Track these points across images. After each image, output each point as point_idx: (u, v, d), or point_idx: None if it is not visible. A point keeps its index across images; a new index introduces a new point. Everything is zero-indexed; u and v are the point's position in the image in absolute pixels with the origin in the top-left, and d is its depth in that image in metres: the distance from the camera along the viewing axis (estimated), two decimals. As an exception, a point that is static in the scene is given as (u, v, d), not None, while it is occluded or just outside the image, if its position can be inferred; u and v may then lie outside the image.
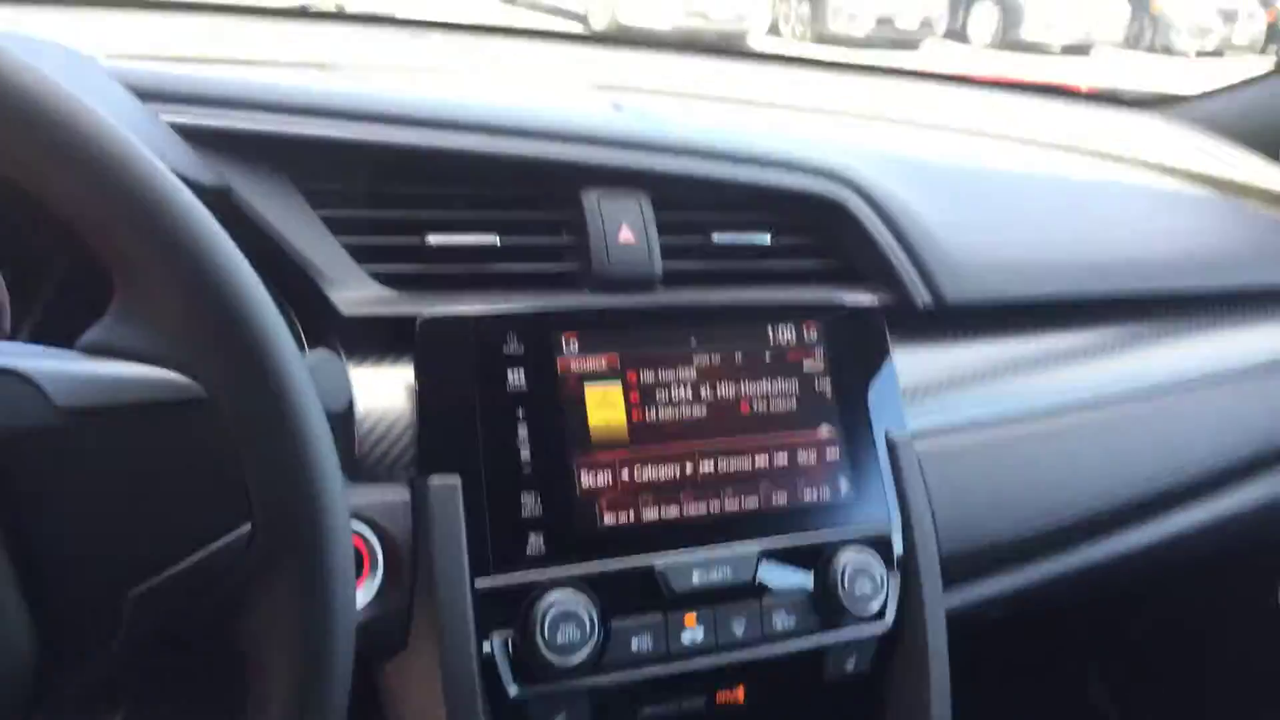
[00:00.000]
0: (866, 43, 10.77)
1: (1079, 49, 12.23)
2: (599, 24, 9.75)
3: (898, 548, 0.87)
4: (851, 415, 0.88)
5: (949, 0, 11.57)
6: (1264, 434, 1.13)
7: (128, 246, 0.48)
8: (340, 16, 1.46)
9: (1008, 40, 11.81)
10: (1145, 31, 12.88)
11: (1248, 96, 1.53)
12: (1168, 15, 12.81)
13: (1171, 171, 1.41)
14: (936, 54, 11.43)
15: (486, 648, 0.73)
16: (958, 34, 12.04)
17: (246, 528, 0.50)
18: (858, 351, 0.90)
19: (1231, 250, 1.22)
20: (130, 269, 0.49)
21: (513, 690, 0.73)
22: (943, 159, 1.20)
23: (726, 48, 1.80)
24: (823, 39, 10.80)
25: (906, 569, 0.87)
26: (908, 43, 11.40)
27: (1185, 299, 1.16)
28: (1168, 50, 12.81)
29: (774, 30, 10.90)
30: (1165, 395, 1.08)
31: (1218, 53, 12.79)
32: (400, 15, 1.45)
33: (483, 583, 0.73)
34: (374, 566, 0.72)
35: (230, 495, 0.50)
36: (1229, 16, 12.94)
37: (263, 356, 0.50)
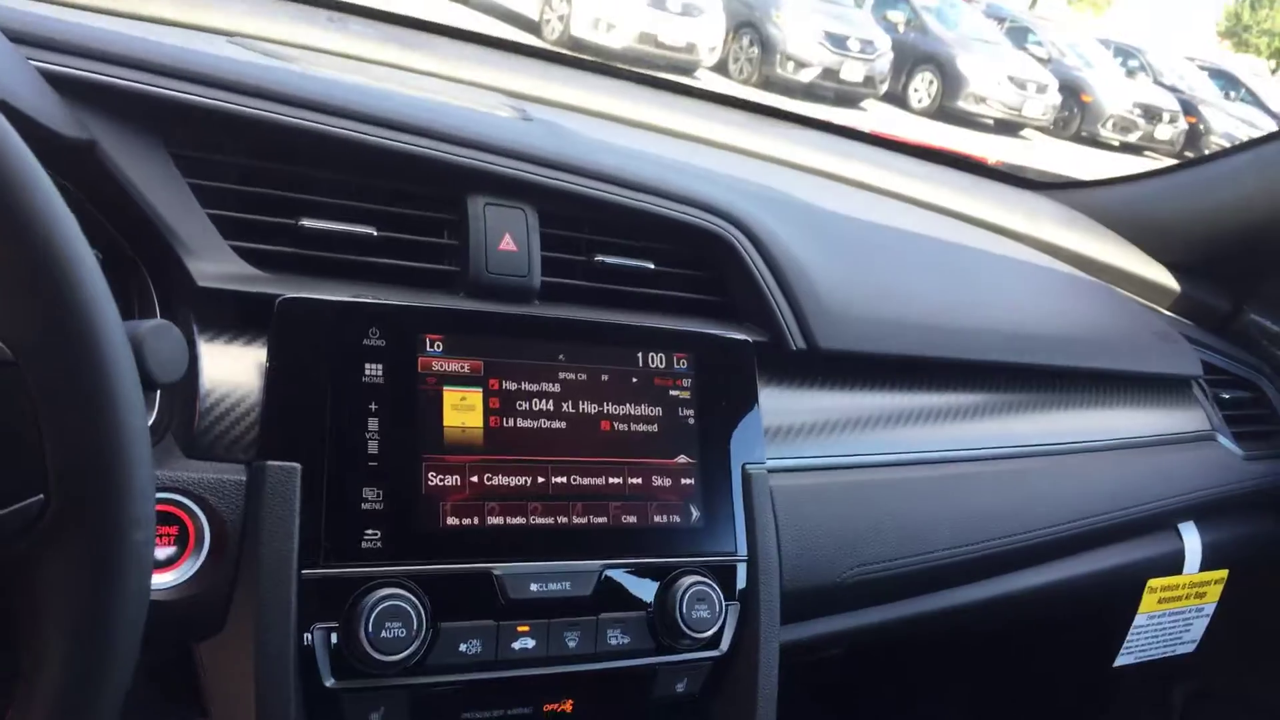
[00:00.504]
0: (808, 92, 10.98)
1: (1010, 127, 12.66)
2: (551, 35, 9.76)
3: (741, 578, 0.88)
4: (711, 445, 0.89)
5: (893, 63, 11.86)
6: (1109, 507, 1.18)
7: None
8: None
9: (944, 109, 12.17)
10: (1074, 120, 13.39)
11: (1135, 190, 1.61)
12: (1096, 106, 13.35)
13: (1054, 250, 1.47)
14: (876, 113, 11.70)
15: (307, 638, 0.72)
16: (898, 97, 12.36)
17: (38, 498, 0.48)
18: (725, 384, 0.91)
19: (1097, 332, 1.28)
20: None
21: (329, 682, 0.72)
22: (835, 210, 1.23)
23: (670, 82, 1.82)
24: (768, 83, 10.98)
25: (747, 599, 0.88)
26: (849, 98, 11.66)
27: (1050, 373, 1.20)
28: (1093, 140, 13.34)
29: (722, 68, 11.05)
30: (1019, 460, 1.12)
31: (1139, 149, 13.36)
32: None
33: (310, 573, 0.72)
34: (199, 544, 0.71)
35: (25, 464, 0.48)
36: (1153, 115, 13.54)
37: (75, 323, 0.48)
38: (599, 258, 0.93)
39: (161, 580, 0.70)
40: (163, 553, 0.70)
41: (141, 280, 0.75)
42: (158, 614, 0.68)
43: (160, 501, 0.69)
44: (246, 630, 0.71)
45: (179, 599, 0.70)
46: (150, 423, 0.73)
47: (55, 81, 0.69)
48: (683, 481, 0.87)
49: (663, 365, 0.89)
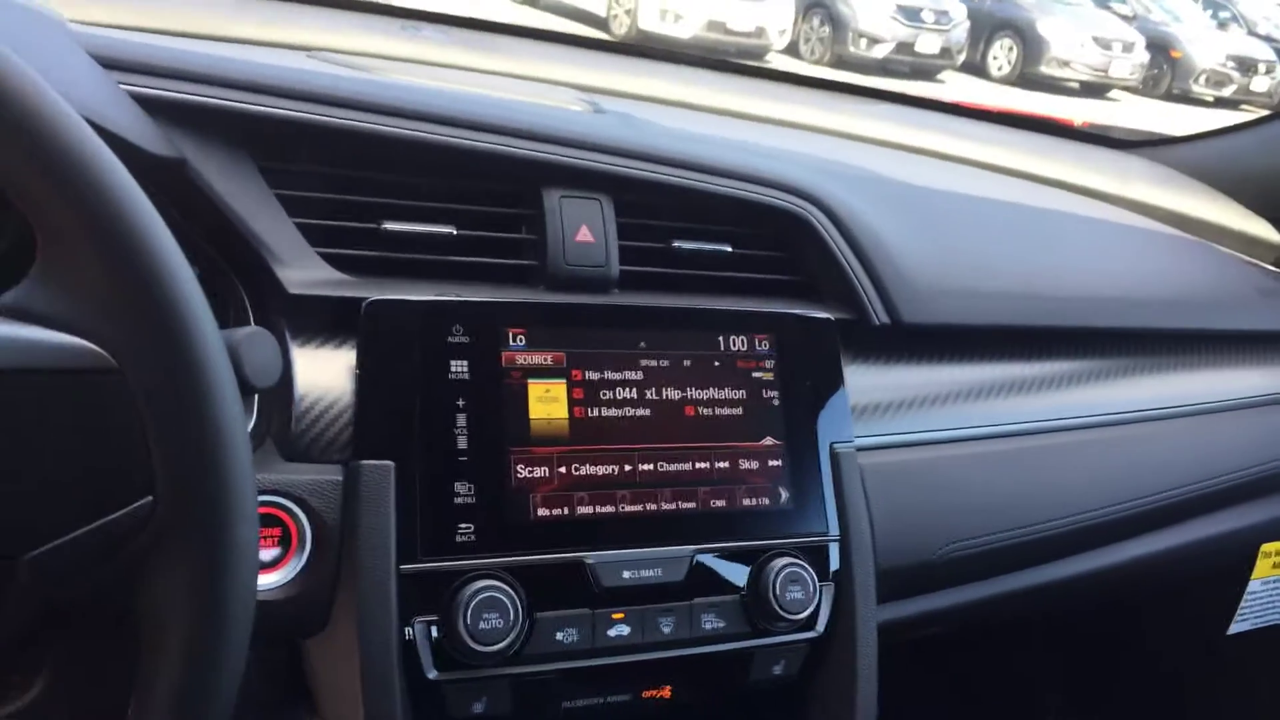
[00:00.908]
0: (883, 68, 10.79)
1: (1097, 89, 12.25)
2: (620, 30, 9.78)
3: (834, 558, 0.88)
4: (797, 426, 0.89)
5: (970, 32, 11.58)
6: (1218, 471, 1.14)
7: (52, 212, 0.49)
8: (342, 3, 1.47)
9: (1026, 76, 11.83)
10: (1164, 77, 12.90)
11: (1229, 144, 1.54)
12: (1187, 62, 12.83)
13: (1148, 210, 1.42)
14: (954, 85, 11.44)
15: (409, 632, 0.74)
16: (977, 67, 12.05)
17: (148, 500, 0.51)
18: (809, 364, 0.91)
19: (1197, 292, 1.24)
20: (53, 235, 0.49)
21: (432, 674, 0.74)
22: (914, 183, 1.21)
23: (740, 66, 1.81)
24: (842, 62, 10.82)
25: (841, 580, 0.88)
26: (926, 71, 11.42)
27: (1149, 336, 1.17)
28: (1186, 96, 12.83)
29: (793, 49, 10.93)
30: (1119, 428, 1.09)
31: (1234, 103, 12.81)
32: (406, 5, 1.46)
33: (409, 568, 0.74)
34: (301, 545, 0.73)
35: (134, 467, 0.50)
36: (1247, 67, 12.95)
37: (175, 332, 0.50)
38: (676, 243, 0.93)
39: (267, 580, 0.72)
40: (267, 554, 0.73)
41: (235, 290, 0.78)
42: (265, 613, 0.70)
43: (262, 504, 0.72)
44: (350, 626, 0.73)
45: (285, 598, 0.72)
46: (249, 429, 0.76)
47: (145, 103, 0.72)
48: (770, 464, 0.87)
49: (745, 348, 0.89)
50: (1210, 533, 1.18)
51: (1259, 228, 1.45)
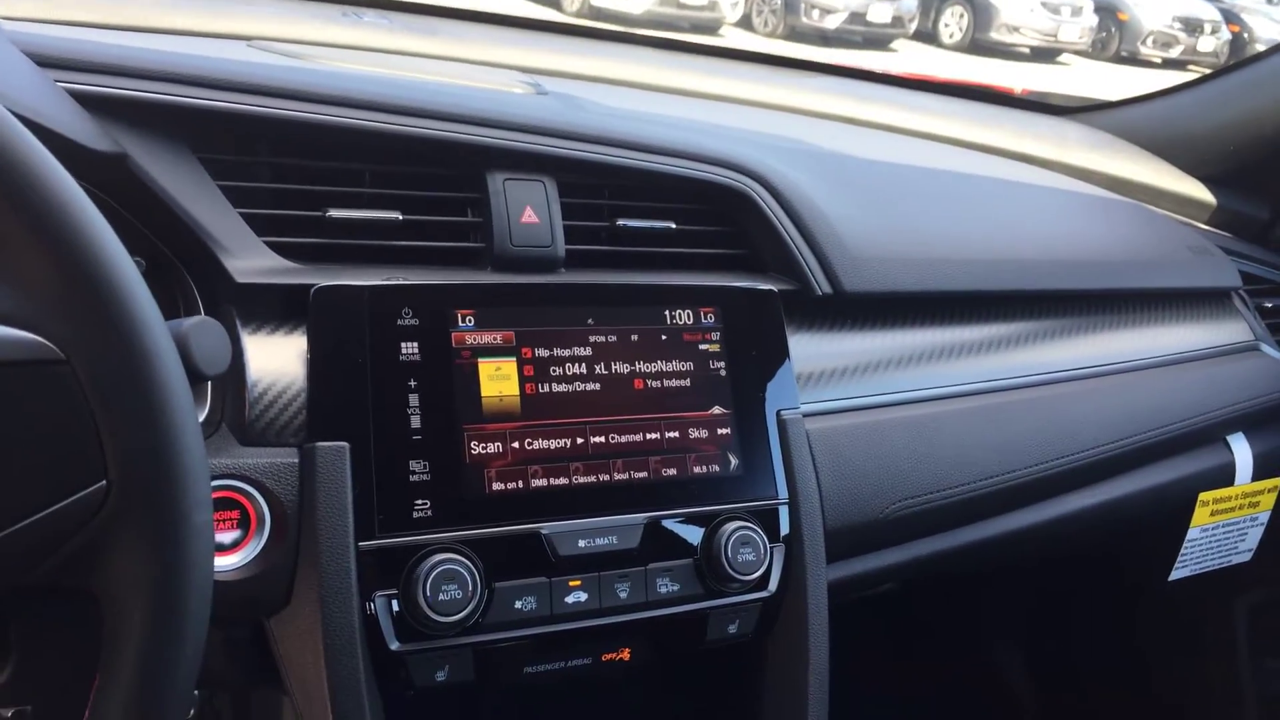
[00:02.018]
0: (837, 38, 10.82)
1: (1047, 54, 12.35)
2: (571, 7, 9.72)
3: (783, 521, 0.91)
4: (745, 395, 0.91)
5: (921, 0, 11.63)
6: (1154, 424, 1.18)
7: None
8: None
9: (977, 42, 11.90)
10: (1112, 40, 13.02)
11: (1162, 106, 1.58)
12: (1134, 24, 12.96)
13: (1084, 174, 1.46)
14: (906, 54, 11.49)
15: (370, 607, 0.76)
16: (929, 35, 12.11)
17: (101, 484, 0.52)
18: (754, 335, 0.93)
19: (1131, 253, 1.27)
20: None
21: (394, 645, 0.76)
22: (855, 154, 1.24)
23: (684, 44, 1.83)
24: (795, 33, 10.82)
25: (791, 541, 0.91)
26: (878, 40, 11.46)
27: (1084, 297, 1.20)
28: (1133, 58, 12.96)
29: (746, 22, 10.92)
30: (1058, 385, 1.13)
31: (1182, 63, 12.96)
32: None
33: (367, 544, 0.76)
34: (260, 526, 0.75)
35: (85, 453, 0.52)
36: (1194, 27, 13.10)
37: (119, 321, 0.51)
38: (621, 222, 0.95)
39: (227, 562, 0.74)
40: (227, 536, 0.74)
41: (184, 281, 0.79)
42: (227, 593, 0.72)
43: (220, 488, 0.73)
44: (312, 603, 0.75)
45: (246, 578, 0.74)
46: (204, 417, 0.77)
47: (83, 100, 0.73)
48: (719, 432, 0.90)
49: (690, 321, 0.91)
50: (1150, 484, 1.22)
51: (1191, 188, 1.50)
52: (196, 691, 1.11)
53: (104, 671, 0.54)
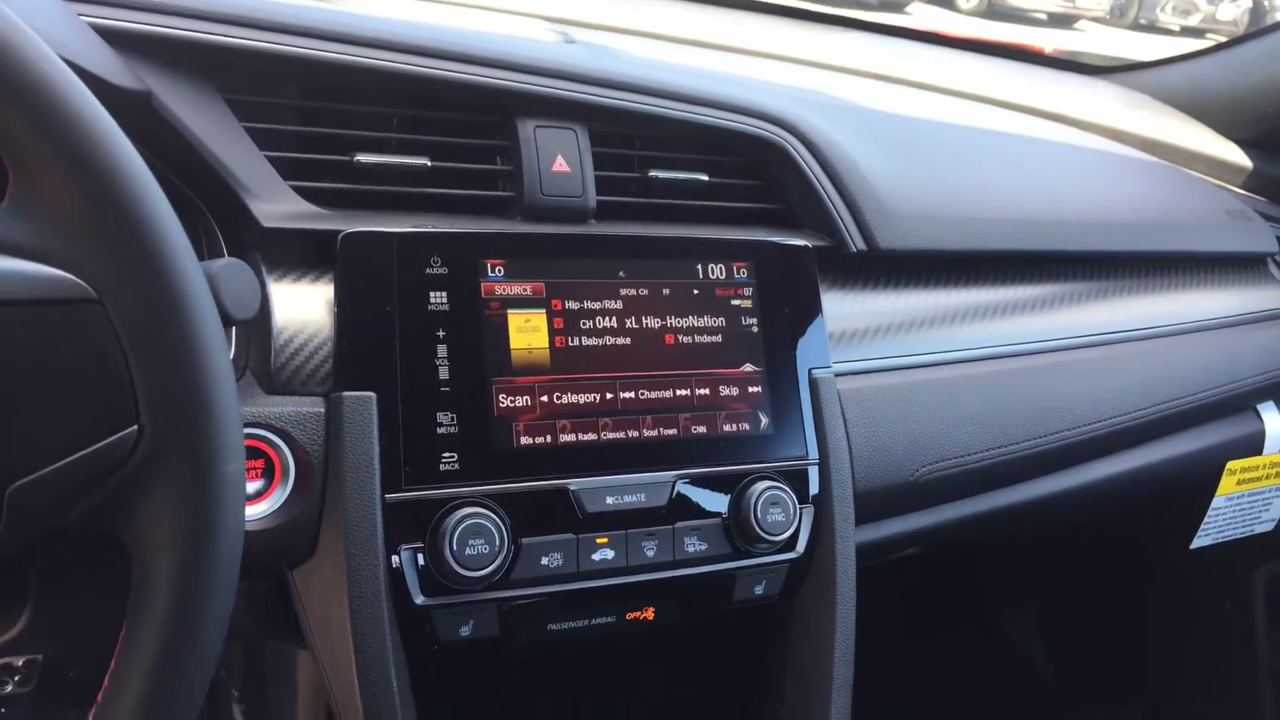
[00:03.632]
0: (853, 1, 10.68)
1: (1064, 19, 12.19)
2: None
3: (813, 481, 0.89)
4: (776, 352, 0.89)
5: (938, -38, 11.46)
6: (1184, 391, 1.17)
7: (24, 142, 0.48)
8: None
9: (993, 6, 11.74)
10: (1131, 6, 12.84)
11: (1197, 68, 1.55)
12: (1154, -10, 12.77)
13: (1118, 135, 1.43)
14: (921, 17, 11.34)
15: (396, 560, 0.74)
16: (944, -1, 11.96)
17: (133, 428, 0.51)
18: (787, 291, 0.91)
19: (1166, 216, 1.25)
20: (26, 165, 0.48)
21: (419, 599, 0.75)
22: (889, 110, 1.21)
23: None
24: (810, -5, 10.71)
25: (820, 502, 0.89)
26: (893, 4, 11.32)
27: (1119, 259, 1.18)
28: (1152, 26, 12.79)
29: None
30: (1090, 349, 1.11)
31: (1201, 31, 12.78)
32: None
33: (393, 497, 0.74)
34: (285, 476, 0.73)
35: (117, 396, 0.50)
36: (1214, -6, 12.92)
37: (153, 260, 0.50)
38: (653, 173, 0.93)
39: (252, 511, 0.72)
40: (251, 486, 0.73)
41: (208, 226, 0.77)
42: (251, 544, 0.71)
43: (245, 437, 0.72)
44: (337, 556, 0.74)
45: (270, 528, 0.73)
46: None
47: (108, 35, 0.70)
48: (750, 390, 0.88)
49: (723, 276, 0.89)
50: (1179, 451, 1.21)
51: (1227, 151, 1.47)
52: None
53: (131, 620, 0.53)
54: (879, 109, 1.21)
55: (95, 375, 0.50)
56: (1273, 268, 1.33)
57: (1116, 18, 12.81)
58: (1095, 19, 12.53)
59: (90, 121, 0.49)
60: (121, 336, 0.50)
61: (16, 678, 1.11)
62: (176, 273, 0.50)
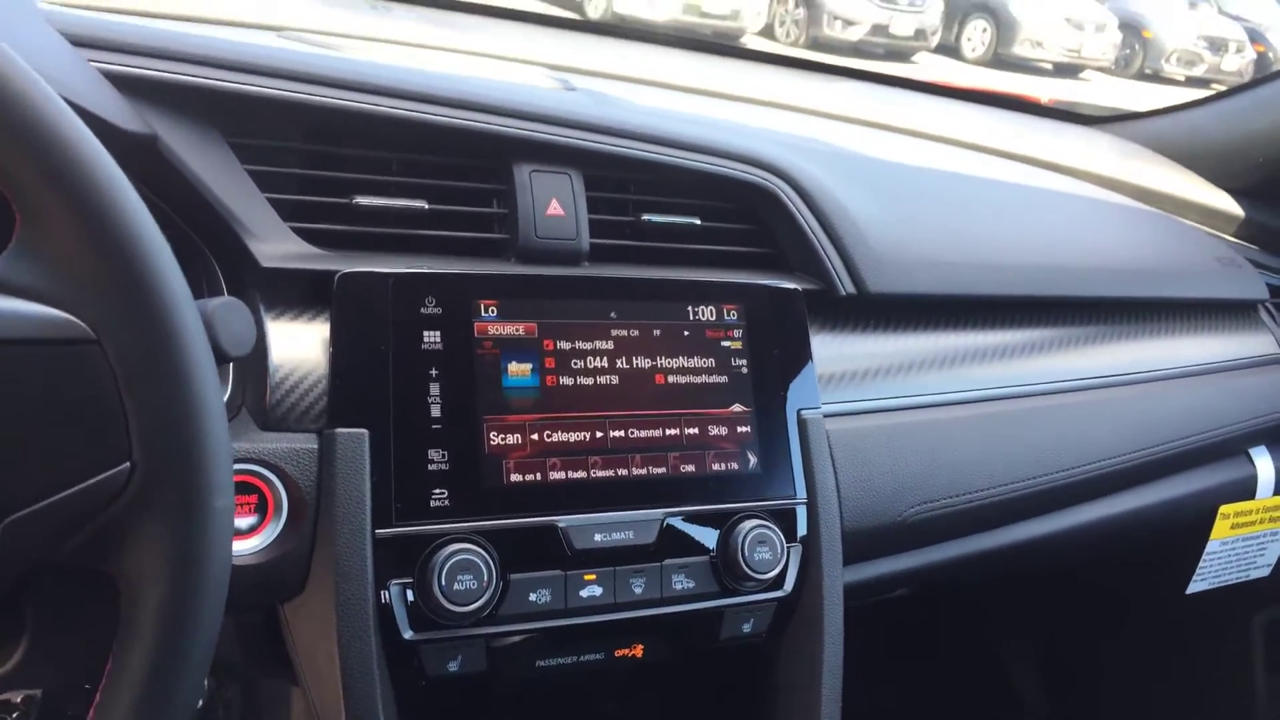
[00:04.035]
0: (860, 49, 10.81)
1: (1070, 69, 12.31)
2: (594, 12, 9.74)
3: (801, 521, 0.90)
4: (766, 393, 0.91)
5: (944, 13, 11.60)
6: (1175, 435, 1.17)
7: (31, 186, 0.50)
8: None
9: (999, 57, 11.87)
10: (1136, 57, 12.97)
11: (1191, 118, 1.57)
12: (1158, 42, 12.90)
13: (1112, 184, 1.45)
14: (928, 67, 11.47)
15: (385, 595, 0.75)
16: (951, 48, 12.08)
17: (126, 465, 0.52)
18: (777, 333, 0.93)
19: (1158, 263, 1.26)
20: (32, 209, 0.50)
21: (408, 634, 0.76)
22: (882, 157, 1.23)
23: (712, 44, 1.83)
24: (817, 44, 10.82)
25: (808, 541, 0.90)
26: (900, 53, 11.44)
27: (1110, 305, 1.19)
28: (1157, 76, 12.91)
29: (768, 32, 10.92)
30: (1081, 393, 1.12)
31: (1205, 81, 12.89)
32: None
33: (384, 532, 0.75)
34: (277, 511, 0.75)
35: (111, 434, 0.52)
36: (1218, 46, 13.04)
37: (151, 302, 0.51)
38: (646, 216, 0.95)
39: (244, 546, 0.74)
40: (244, 521, 0.74)
41: (209, 265, 0.79)
42: (243, 578, 0.72)
43: (239, 472, 0.73)
44: (327, 590, 0.75)
45: (261, 563, 0.74)
46: (225, 399, 0.77)
47: (116, 80, 0.73)
48: (739, 429, 0.89)
49: (713, 317, 0.91)
50: (1171, 495, 1.22)
51: (1219, 200, 1.49)
52: (211, 680, 1.11)
53: (117, 655, 0.54)
54: (872, 156, 1.23)
55: (91, 413, 0.51)
56: (1263, 314, 1.34)
57: (1122, 68, 12.93)
58: (1100, 69, 12.65)
59: (94, 168, 0.51)
60: (118, 376, 0.51)
61: (15, 714, 1.11)
62: (173, 316, 0.52)
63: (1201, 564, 1.31)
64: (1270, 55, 13.33)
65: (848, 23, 10.93)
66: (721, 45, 1.86)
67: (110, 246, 0.51)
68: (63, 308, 0.51)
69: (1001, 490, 1.03)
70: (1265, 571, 1.40)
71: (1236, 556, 1.34)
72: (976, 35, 12.15)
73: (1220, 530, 1.28)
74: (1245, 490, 1.28)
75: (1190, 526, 1.28)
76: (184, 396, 0.52)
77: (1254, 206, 1.49)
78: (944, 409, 1.02)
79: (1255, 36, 13.44)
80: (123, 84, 0.73)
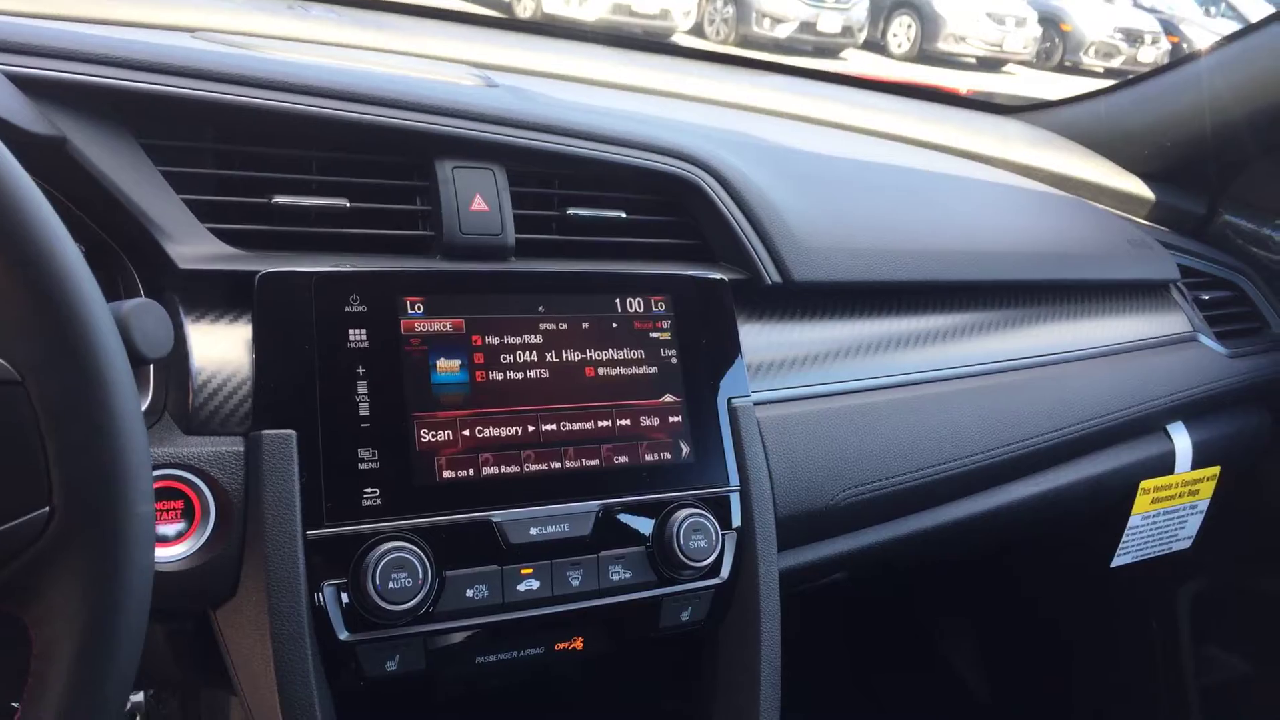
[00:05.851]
0: (788, 46, 10.92)
1: (992, 63, 12.56)
2: (524, 13, 9.70)
3: (735, 508, 0.91)
4: (696, 383, 0.92)
5: (870, 10, 11.77)
6: (1094, 414, 1.21)
7: None
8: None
9: (925, 52, 12.08)
10: (1056, 50, 13.28)
11: (1102, 105, 1.62)
12: (1077, 35, 13.23)
13: (1027, 171, 1.49)
14: (856, 63, 11.62)
15: (319, 597, 0.75)
16: (878, 44, 12.26)
17: (44, 510, 0.51)
18: (705, 323, 0.94)
19: (1072, 246, 1.30)
20: None
21: (343, 635, 0.75)
22: (804, 149, 1.25)
23: (639, 41, 1.84)
24: (746, 41, 10.90)
25: (743, 528, 0.91)
26: (828, 49, 11.58)
27: (1027, 288, 1.22)
28: (1077, 68, 13.23)
29: (698, 31, 10.98)
30: (1001, 375, 1.15)
31: (1123, 73, 13.23)
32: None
33: (315, 533, 0.75)
34: (205, 517, 0.74)
35: (31, 478, 0.50)
36: (1134, 38, 13.41)
37: (80, 349, 0.50)
38: (571, 211, 0.95)
39: (172, 553, 0.73)
40: (171, 528, 0.73)
41: (125, 269, 0.78)
42: (171, 585, 0.71)
43: (163, 478, 0.72)
44: (259, 594, 0.74)
45: (190, 569, 0.73)
46: (147, 405, 0.76)
47: (20, 83, 0.71)
48: (670, 419, 0.90)
49: (641, 309, 0.91)
50: (1093, 472, 1.25)
51: (1130, 184, 1.53)
52: (147, 693, 1.08)
53: (27, 704, 0.52)
54: (794, 148, 1.25)
55: (11, 456, 0.50)
56: (1175, 294, 1.38)
57: (1043, 61, 13.23)
58: (1022, 62, 12.93)
59: (19, 210, 0.49)
60: (41, 419, 0.50)
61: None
62: (102, 363, 0.51)
63: (1125, 538, 1.35)
64: (1184, 46, 13.72)
65: (776, 20, 11.03)
66: (651, 43, 1.86)
67: (37, 289, 0.50)
68: None
69: (929, 472, 1.05)
70: (1187, 544, 1.44)
71: (1159, 530, 1.38)
72: (902, 31, 12.35)
73: (1141, 505, 1.32)
74: (1164, 465, 1.32)
75: (1114, 502, 1.32)
76: (109, 446, 0.51)
77: (1164, 190, 1.54)
78: (871, 394, 1.04)
79: (1169, 29, 13.85)
80: (28, 86, 0.71)
